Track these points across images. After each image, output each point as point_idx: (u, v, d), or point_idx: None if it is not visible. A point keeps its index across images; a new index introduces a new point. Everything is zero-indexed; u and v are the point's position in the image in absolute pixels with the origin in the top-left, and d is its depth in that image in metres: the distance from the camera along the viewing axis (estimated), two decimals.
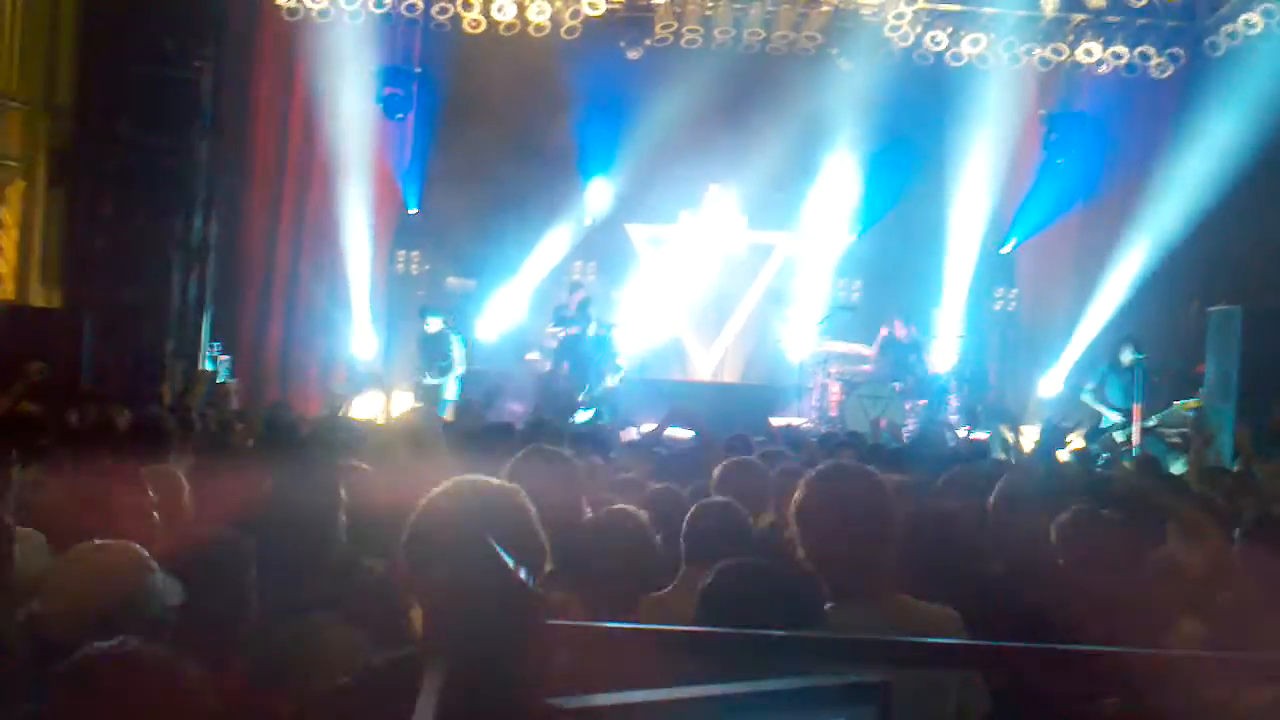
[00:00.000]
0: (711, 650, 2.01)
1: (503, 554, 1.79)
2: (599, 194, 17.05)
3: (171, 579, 2.95)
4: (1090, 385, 13.94)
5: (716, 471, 5.18)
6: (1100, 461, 8.86)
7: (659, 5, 16.05)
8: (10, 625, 3.03)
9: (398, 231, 16.82)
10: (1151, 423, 13.13)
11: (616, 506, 4.21)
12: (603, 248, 17.12)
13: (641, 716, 1.63)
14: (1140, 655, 2.24)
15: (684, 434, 8.54)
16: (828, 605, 3.12)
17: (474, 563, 1.77)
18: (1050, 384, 16.58)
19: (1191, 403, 13.32)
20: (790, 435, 10.08)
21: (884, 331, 15.41)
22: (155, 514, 4.26)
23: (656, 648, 2.03)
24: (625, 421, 12.11)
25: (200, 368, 13.38)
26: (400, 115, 16.07)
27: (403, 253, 16.90)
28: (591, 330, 14.86)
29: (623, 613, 3.66)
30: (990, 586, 3.99)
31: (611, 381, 14.75)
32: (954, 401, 15.19)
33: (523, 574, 1.78)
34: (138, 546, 2.95)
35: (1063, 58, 16.27)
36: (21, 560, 3.49)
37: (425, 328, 14.69)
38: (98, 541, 2.93)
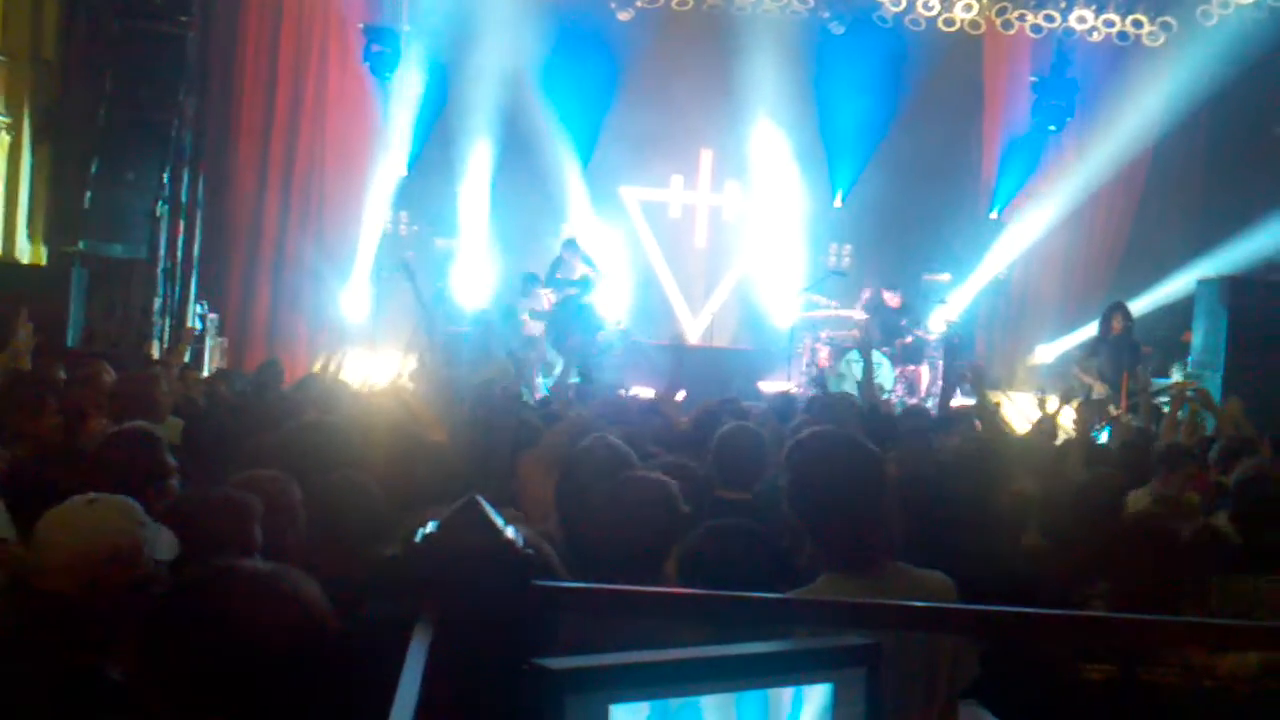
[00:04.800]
0: (701, 612, 2.01)
1: (493, 513, 1.78)
2: (590, 156, 16.99)
3: (166, 531, 2.93)
4: (1080, 357, 13.97)
5: (715, 437, 5.17)
6: (1098, 432, 8.86)
7: None
8: None
9: (386, 191, 16.70)
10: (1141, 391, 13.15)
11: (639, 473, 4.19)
12: (593, 209, 17.04)
13: (629, 678, 1.63)
14: (1127, 620, 2.25)
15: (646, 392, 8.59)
16: (822, 575, 3.11)
17: (463, 521, 1.77)
18: (1048, 352, 16.64)
19: (1180, 381, 13.32)
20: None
21: (865, 295, 15.45)
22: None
23: (645, 609, 2.03)
24: (617, 385, 12.07)
25: (186, 325, 13.33)
26: (388, 74, 15.95)
27: (392, 213, 16.81)
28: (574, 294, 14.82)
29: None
30: (983, 551, 4.00)
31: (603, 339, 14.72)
32: (940, 367, 15.19)
33: (511, 533, 1.77)
34: (130, 500, 2.93)
35: (1055, 24, 16.23)
36: None
37: None
38: (91, 495, 2.91)
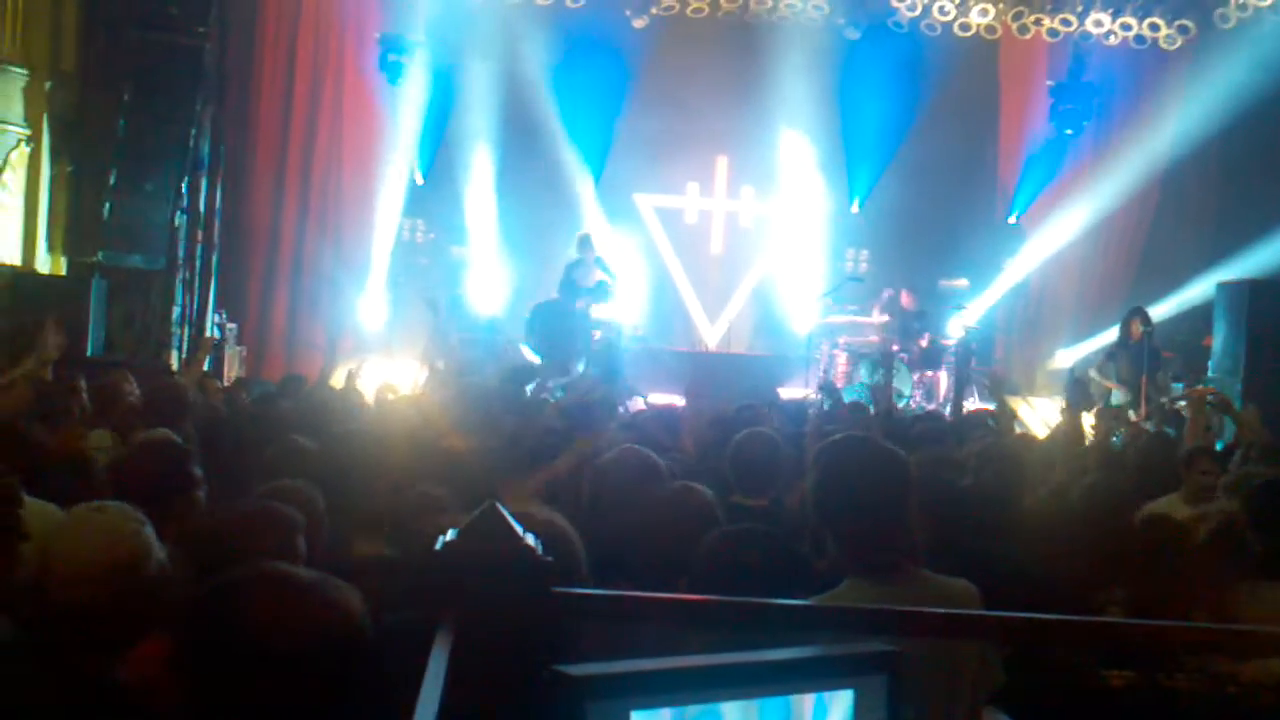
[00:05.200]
0: (723, 619, 2.01)
1: (512, 520, 1.78)
2: (604, 163, 17.01)
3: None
4: (1099, 362, 13.89)
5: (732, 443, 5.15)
6: (1116, 437, 8.84)
7: None
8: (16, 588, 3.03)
9: (401, 200, 16.75)
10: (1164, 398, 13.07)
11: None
12: (608, 217, 17.04)
13: (650, 684, 1.63)
14: (1150, 627, 2.24)
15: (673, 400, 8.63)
16: (846, 580, 3.11)
17: (483, 528, 1.77)
18: (1067, 357, 16.57)
19: (1200, 388, 13.25)
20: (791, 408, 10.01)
21: (886, 294, 15.43)
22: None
23: (668, 616, 2.02)
24: (631, 391, 12.06)
25: (206, 334, 13.38)
26: (403, 83, 16.00)
27: (408, 221, 16.85)
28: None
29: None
30: (1007, 557, 3.99)
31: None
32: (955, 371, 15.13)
33: (531, 540, 1.78)
34: (130, 507, 2.96)
35: (1071, 28, 16.19)
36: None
37: None
38: (96, 503, 2.93)
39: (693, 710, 1.63)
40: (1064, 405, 8.49)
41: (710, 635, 2.04)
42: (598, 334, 14.85)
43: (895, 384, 13.95)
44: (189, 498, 4.00)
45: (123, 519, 2.88)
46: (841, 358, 15.40)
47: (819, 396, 13.47)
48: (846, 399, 10.81)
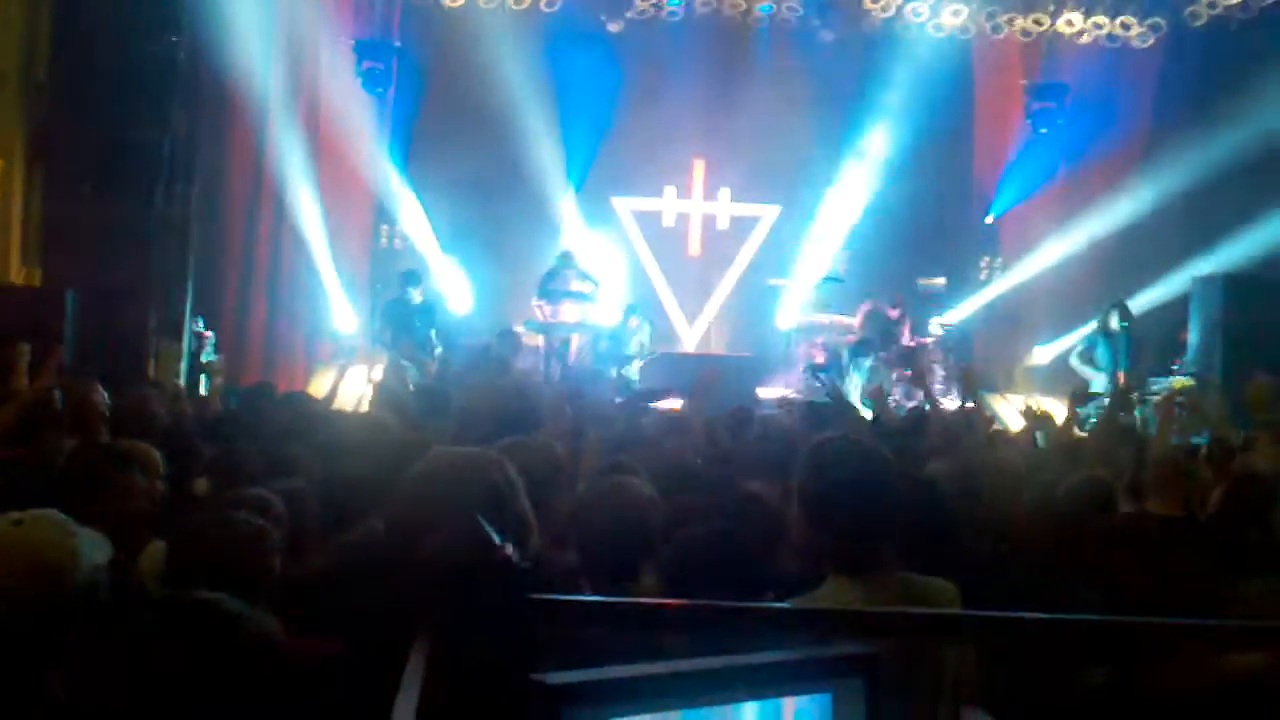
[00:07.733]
0: (697, 622, 2.00)
1: (488, 529, 1.77)
2: (583, 167, 17.02)
3: (100, 537, 2.91)
4: (1078, 349, 14.01)
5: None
6: (1089, 425, 8.87)
7: None
8: None
9: (379, 206, 16.73)
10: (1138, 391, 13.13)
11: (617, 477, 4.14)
12: (586, 220, 17.05)
13: (627, 691, 1.62)
14: (1131, 624, 2.24)
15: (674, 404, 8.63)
16: (829, 578, 3.12)
17: (458, 537, 1.76)
18: (1045, 354, 16.65)
19: (1181, 381, 13.32)
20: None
21: (866, 305, 15.50)
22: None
23: (641, 621, 2.02)
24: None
25: (178, 343, 13.31)
26: (380, 90, 15.99)
27: (385, 227, 16.83)
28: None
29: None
30: (984, 558, 4.00)
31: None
32: (940, 371, 15.20)
33: (509, 549, 1.77)
34: (56, 512, 2.91)
35: (1044, 28, 16.28)
36: None
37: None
38: (16, 515, 2.89)
39: (671, 717, 1.62)
40: (1036, 403, 8.50)
41: (677, 638, 2.03)
42: (577, 337, 14.94)
43: (875, 381, 13.99)
44: (134, 508, 3.95)
45: (45, 529, 2.83)
46: (819, 357, 15.42)
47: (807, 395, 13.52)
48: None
